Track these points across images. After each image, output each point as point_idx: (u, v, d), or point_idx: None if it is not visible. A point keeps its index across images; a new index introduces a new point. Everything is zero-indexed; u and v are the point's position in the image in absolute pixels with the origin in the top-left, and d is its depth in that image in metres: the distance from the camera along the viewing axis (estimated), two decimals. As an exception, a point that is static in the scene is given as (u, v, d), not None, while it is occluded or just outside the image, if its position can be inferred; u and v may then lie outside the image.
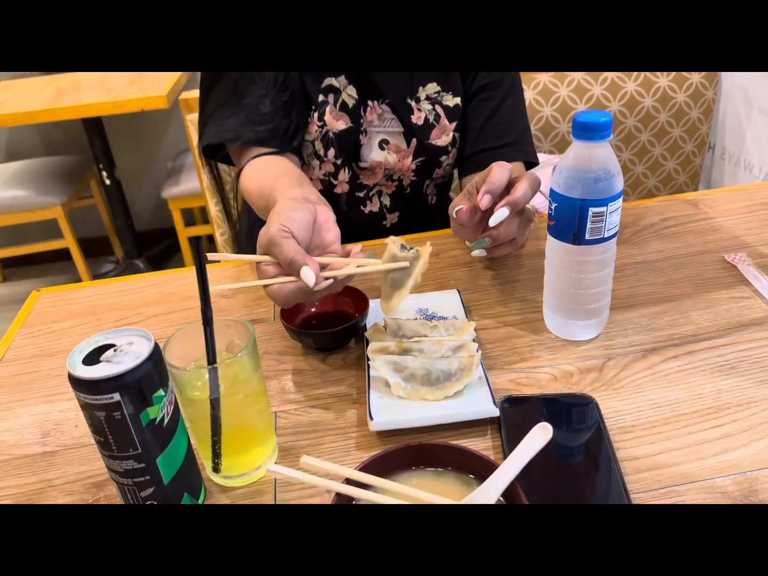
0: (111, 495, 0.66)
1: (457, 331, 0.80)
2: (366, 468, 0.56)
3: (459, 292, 0.88)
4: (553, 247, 0.77)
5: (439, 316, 0.85)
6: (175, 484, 0.60)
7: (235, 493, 0.65)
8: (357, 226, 1.13)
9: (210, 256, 0.74)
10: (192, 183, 2.49)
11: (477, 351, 0.76)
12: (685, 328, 0.81)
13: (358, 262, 0.71)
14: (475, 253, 0.84)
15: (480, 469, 0.57)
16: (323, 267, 0.72)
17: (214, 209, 1.48)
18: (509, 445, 0.65)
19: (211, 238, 2.60)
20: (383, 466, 0.58)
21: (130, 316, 0.97)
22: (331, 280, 0.70)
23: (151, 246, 2.94)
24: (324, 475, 0.56)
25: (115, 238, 2.91)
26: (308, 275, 0.67)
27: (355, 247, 0.73)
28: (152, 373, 0.55)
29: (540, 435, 0.54)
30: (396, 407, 0.70)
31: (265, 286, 0.71)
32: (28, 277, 2.95)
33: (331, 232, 0.76)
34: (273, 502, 0.63)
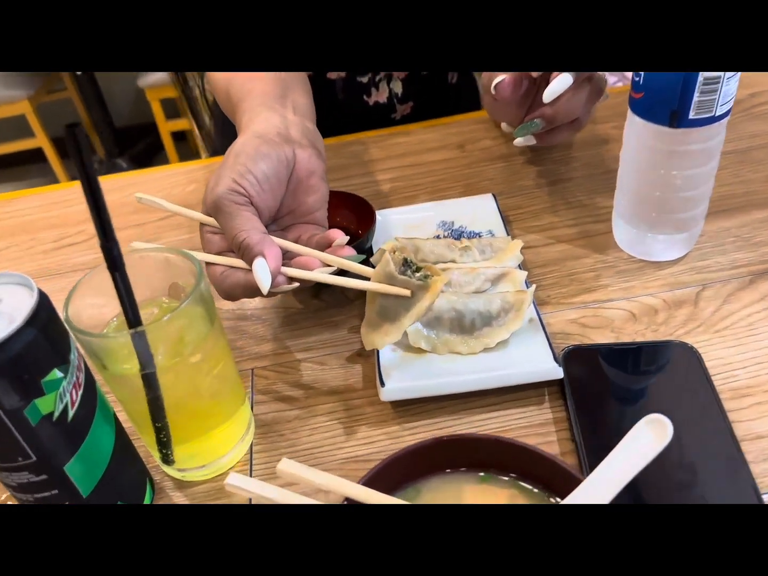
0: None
1: (496, 253, 0.59)
2: (376, 478, 0.37)
3: (495, 198, 0.66)
4: (636, 131, 0.54)
5: (471, 231, 0.63)
6: (101, 495, 0.41)
7: (194, 490, 0.47)
8: (354, 119, 0.88)
9: (137, 195, 0.53)
10: (172, 70, 2.19)
11: (526, 283, 0.55)
12: (807, 242, 0.60)
13: (338, 263, 0.48)
14: (519, 141, 0.61)
15: (550, 477, 0.37)
16: (287, 256, 0.50)
17: (187, 97, 1.23)
18: (579, 419, 0.46)
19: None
20: (402, 471, 0.39)
21: (72, 234, 0.76)
22: (296, 284, 0.48)
23: (134, 143, 2.67)
24: (313, 492, 0.37)
25: (95, 136, 2.65)
26: (261, 274, 0.46)
27: (339, 238, 0.50)
28: (38, 345, 0.35)
29: (651, 437, 0.34)
30: (416, 365, 0.50)
31: (207, 264, 0.50)
32: (5, 181, 2.72)
33: (316, 192, 0.53)
34: (247, 503, 0.45)
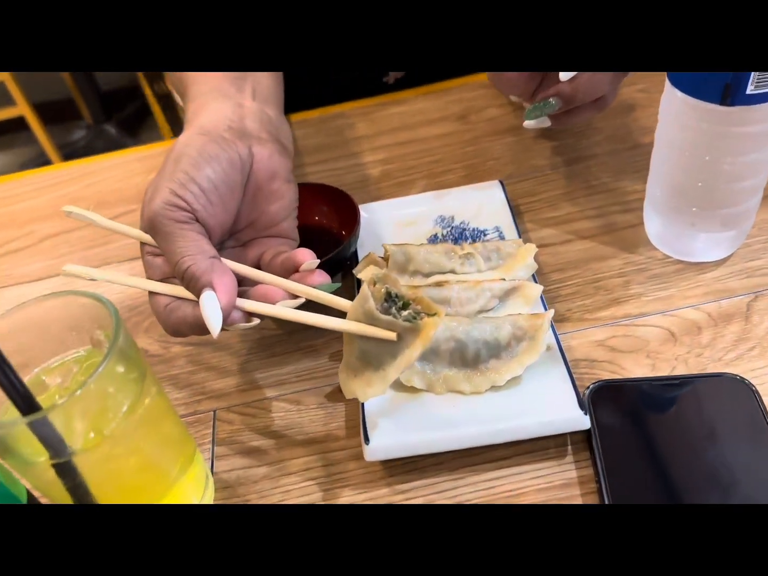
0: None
1: (504, 260, 0.49)
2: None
3: (503, 186, 0.55)
4: (675, 108, 0.43)
5: (474, 228, 0.53)
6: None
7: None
8: (339, 86, 0.76)
9: (66, 208, 0.42)
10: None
11: (542, 300, 0.45)
12: None
13: (306, 294, 0.39)
14: (530, 123, 0.50)
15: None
16: (244, 282, 0.41)
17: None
18: (609, 478, 0.37)
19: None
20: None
21: (19, 237, 0.66)
22: (256, 321, 0.39)
23: (122, 108, 2.53)
24: None
25: (81, 101, 2.51)
26: (210, 312, 0.36)
27: (308, 260, 0.40)
28: None
29: None
30: (408, 410, 0.41)
31: (151, 294, 0.41)
32: (-10, 151, 2.60)
33: (280, 198, 0.44)
34: None
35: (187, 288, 0.39)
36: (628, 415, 0.40)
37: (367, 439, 0.39)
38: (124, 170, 0.71)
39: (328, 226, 0.53)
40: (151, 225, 0.39)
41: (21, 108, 2.18)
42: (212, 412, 0.46)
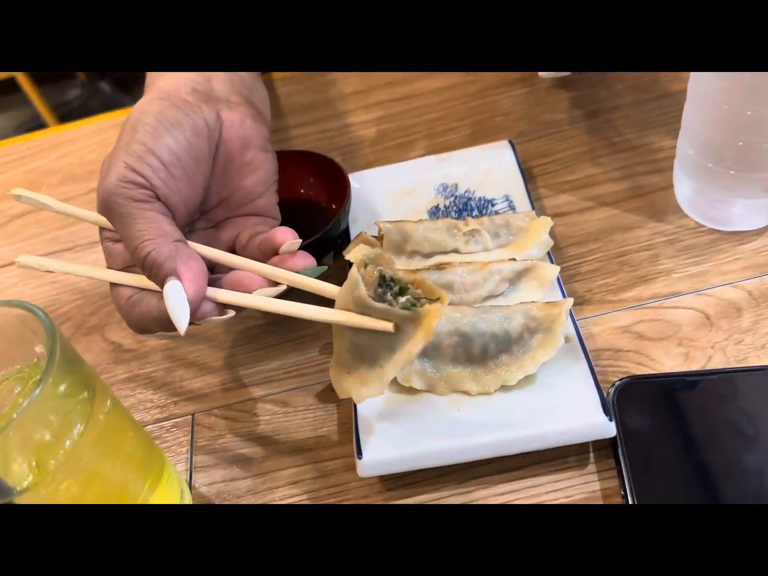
0: None
1: (515, 236, 0.43)
2: None
3: (512, 146, 0.49)
4: (717, 54, 0.37)
5: (480, 198, 0.47)
6: None
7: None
8: None
9: (15, 191, 0.37)
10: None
11: (559, 282, 0.40)
12: None
13: (287, 280, 0.34)
14: (546, 74, 0.44)
15: None
16: (217, 269, 0.36)
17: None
18: (638, 491, 0.32)
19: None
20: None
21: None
22: (230, 314, 0.34)
23: (117, 62, 2.44)
24: None
25: (75, 55, 2.41)
26: (175, 304, 0.32)
27: (288, 240, 0.35)
28: None
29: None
30: (407, 415, 0.36)
31: (112, 285, 0.36)
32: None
33: (256, 169, 0.39)
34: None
35: (149, 277, 0.34)
36: (659, 417, 0.35)
37: (360, 453, 0.34)
38: (95, 140, 0.65)
39: (316, 201, 0.48)
40: (105, 206, 0.34)
41: (11, 66, 2.10)
42: (191, 416, 0.41)
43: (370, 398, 0.33)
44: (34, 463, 0.28)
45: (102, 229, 0.37)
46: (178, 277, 0.32)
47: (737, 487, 0.32)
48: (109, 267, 0.37)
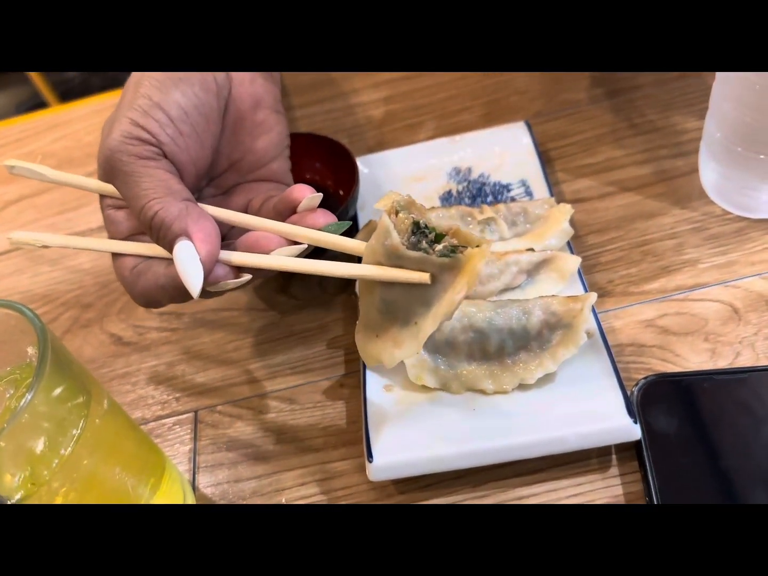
0: None
1: (533, 224, 0.41)
2: None
3: (529, 128, 0.47)
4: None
5: (495, 183, 0.45)
6: None
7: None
8: None
9: (8, 162, 0.34)
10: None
11: (580, 274, 0.38)
12: None
13: (309, 238, 0.31)
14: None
15: None
16: (231, 233, 0.34)
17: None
18: (664, 496, 0.30)
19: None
20: None
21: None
22: (246, 277, 0.31)
23: (118, 37, 2.39)
24: None
25: (75, 31, 2.37)
26: (187, 266, 0.29)
27: (306, 195, 0.32)
28: None
29: None
30: (419, 415, 0.35)
31: (114, 256, 0.33)
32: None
33: (268, 131, 0.36)
34: None
35: (157, 241, 0.31)
36: (686, 418, 0.33)
37: (370, 456, 0.32)
38: (97, 121, 0.62)
39: (322, 186, 0.45)
40: (108, 166, 0.31)
41: (10, 43, 2.07)
42: (193, 414, 0.40)
43: (405, 359, 0.31)
44: (28, 473, 0.27)
45: (102, 196, 0.34)
46: (189, 238, 0.29)
47: (770, 494, 0.30)
48: (110, 237, 0.34)
